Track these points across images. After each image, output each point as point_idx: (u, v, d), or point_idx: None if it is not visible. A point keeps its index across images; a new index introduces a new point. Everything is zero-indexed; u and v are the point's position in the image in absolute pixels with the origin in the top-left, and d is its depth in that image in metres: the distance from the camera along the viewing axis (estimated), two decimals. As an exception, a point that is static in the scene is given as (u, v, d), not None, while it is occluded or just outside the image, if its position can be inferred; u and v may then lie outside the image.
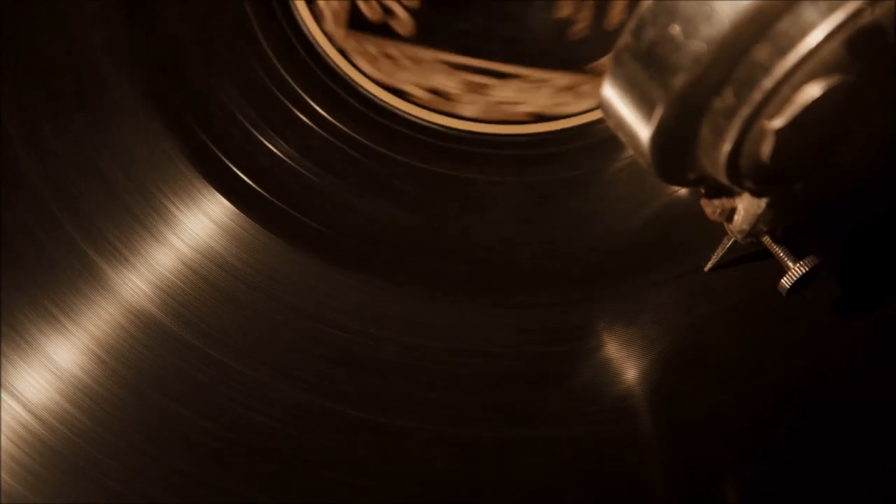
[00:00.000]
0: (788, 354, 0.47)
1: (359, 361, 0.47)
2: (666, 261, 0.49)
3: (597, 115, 0.52)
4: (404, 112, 0.53)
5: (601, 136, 0.52)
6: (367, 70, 0.53)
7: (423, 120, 0.53)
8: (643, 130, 0.36)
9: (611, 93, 0.37)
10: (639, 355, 0.47)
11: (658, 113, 0.35)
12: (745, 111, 0.35)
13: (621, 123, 0.37)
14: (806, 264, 0.43)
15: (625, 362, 0.47)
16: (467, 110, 0.53)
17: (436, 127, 0.53)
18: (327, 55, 0.54)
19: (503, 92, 0.53)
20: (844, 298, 0.47)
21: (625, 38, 0.36)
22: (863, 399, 0.46)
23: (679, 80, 0.35)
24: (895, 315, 0.47)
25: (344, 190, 0.51)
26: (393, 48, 0.53)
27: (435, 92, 0.53)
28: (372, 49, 0.53)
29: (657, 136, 0.36)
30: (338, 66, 0.54)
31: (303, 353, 0.47)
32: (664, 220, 0.50)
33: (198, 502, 0.45)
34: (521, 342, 0.48)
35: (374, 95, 0.53)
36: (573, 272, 0.49)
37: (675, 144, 0.37)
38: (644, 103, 0.36)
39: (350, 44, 0.54)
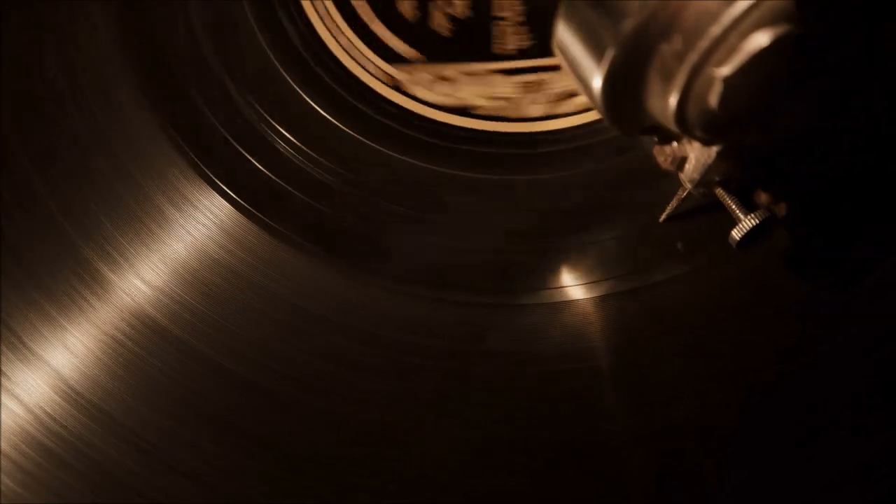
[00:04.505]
0: (787, 354, 0.46)
1: (360, 361, 0.47)
2: (663, 258, 0.48)
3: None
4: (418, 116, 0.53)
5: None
6: (427, 97, 0.53)
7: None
8: (595, 73, 0.37)
9: (564, 35, 0.37)
10: (634, 354, 0.47)
11: (608, 56, 0.36)
12: (693, 57, 0.36)
13: (574, 66, 0.38)
14: (757, 216, 0.43)
15: (619, 360, 0.47)
16: (534, 110, 0.52)
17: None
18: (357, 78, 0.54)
19: (561, 83, 0.53)
20: (844, 297, 0.47)
21: (578, -17, 0.36)
22: (862, 398, 0.46)
23: (629, 25, 0.35)
24: (894, 313, 0.47)
25: (360, 196, 0.51)
26: (448, 70, 0.53)
27: (501, 99, 0.52)
28: (426, 75, 0.53)
29: (608, 79, 0.37)
30: (392, 100, 0.53)
31: (304, 352, 0.47)
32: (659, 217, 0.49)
33: (197, 502, 0.45)
34: (520, 342, 0.48)
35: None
36: (570, 271, 0.49)
37: (626, 89, 0.38)
38: (595, 47, 0.36)
39: (403, 76, 0.53)
